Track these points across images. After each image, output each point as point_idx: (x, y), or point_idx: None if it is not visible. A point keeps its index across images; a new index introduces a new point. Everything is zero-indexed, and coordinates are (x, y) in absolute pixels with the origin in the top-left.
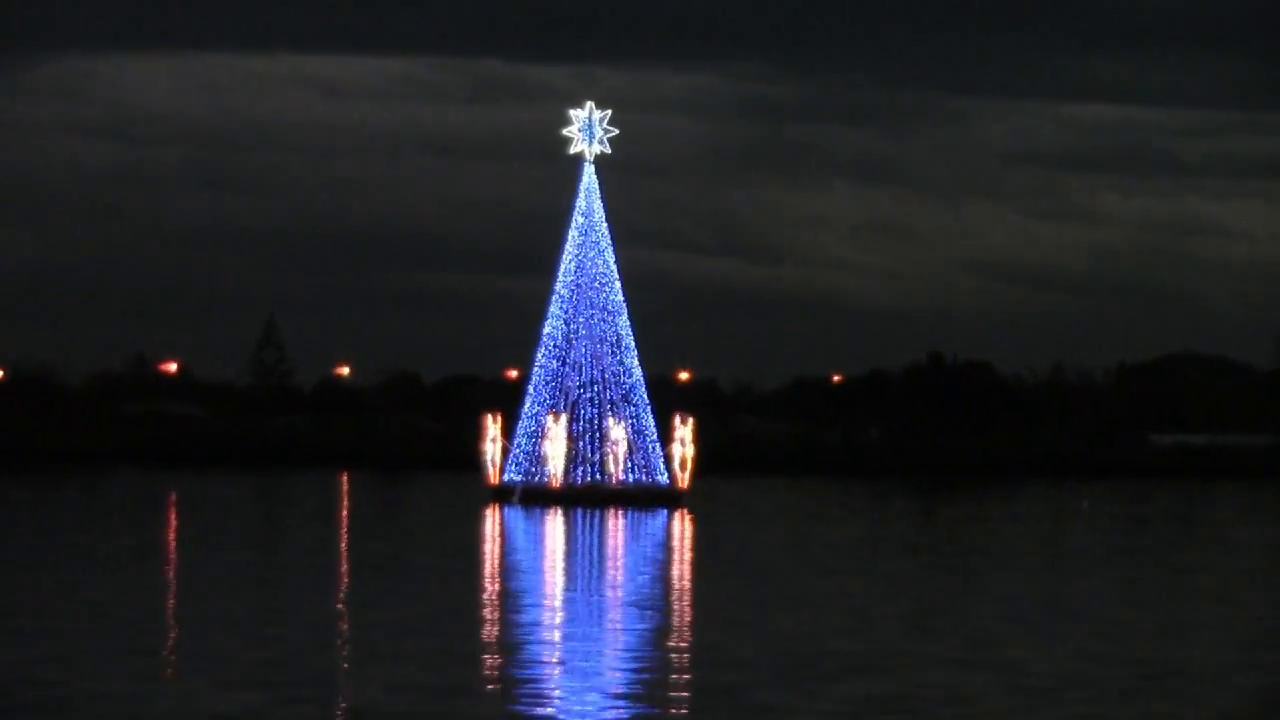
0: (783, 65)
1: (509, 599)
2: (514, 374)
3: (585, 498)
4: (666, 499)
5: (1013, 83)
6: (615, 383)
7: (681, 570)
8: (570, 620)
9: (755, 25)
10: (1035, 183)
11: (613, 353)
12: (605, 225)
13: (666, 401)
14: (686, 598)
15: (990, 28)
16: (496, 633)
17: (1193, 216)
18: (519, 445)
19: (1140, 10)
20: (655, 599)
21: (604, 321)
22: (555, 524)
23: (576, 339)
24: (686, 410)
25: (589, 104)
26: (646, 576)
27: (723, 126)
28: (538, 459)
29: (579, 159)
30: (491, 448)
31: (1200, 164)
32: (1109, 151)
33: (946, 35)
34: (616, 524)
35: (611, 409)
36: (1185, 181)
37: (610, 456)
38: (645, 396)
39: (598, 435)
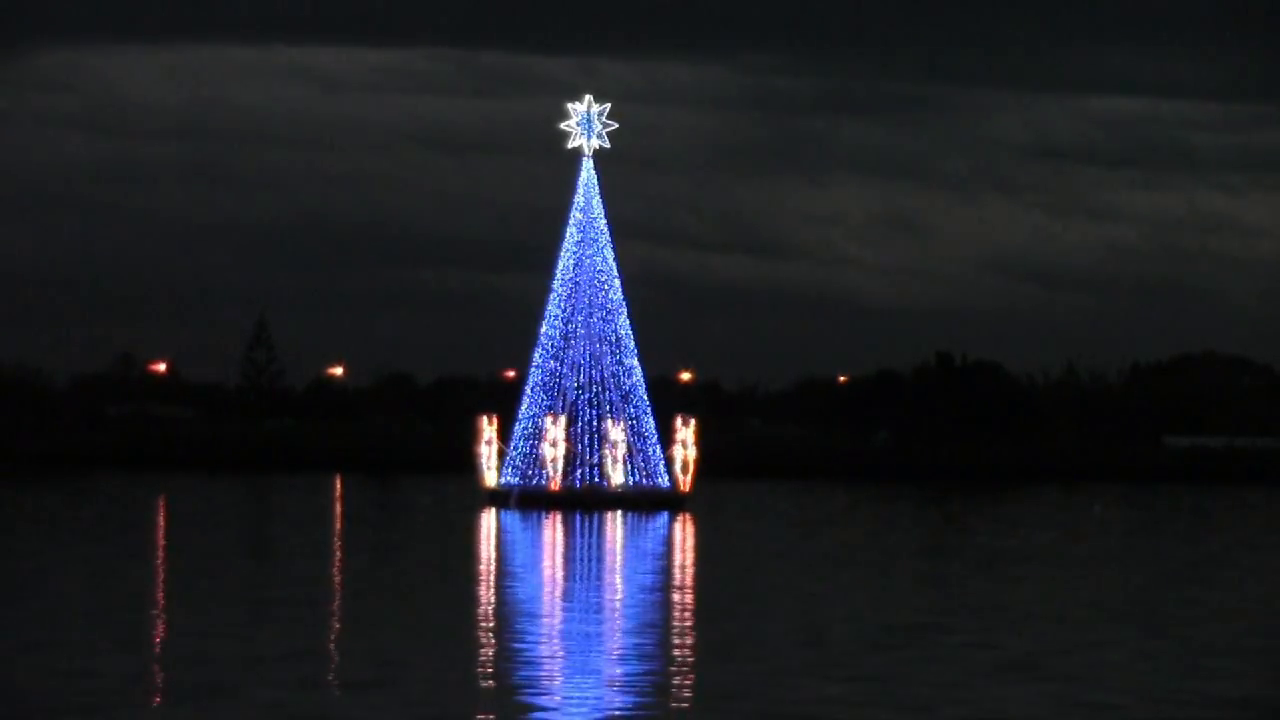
0: (792, 56)
1: (504, 608)
2: (511, 374)
3: (584, 501)
4: (667, 502)
5: (1027, 75)
6: (615, 383)
7: (682, 578)
8: (567, 631)
9: (764, 15)
10: (1050, 177)
11: (612, 353)
12: (604, 221)
13: (668, 403)
14: (687, 606)
15: (1005, 19)
16: (491, 647)
17: (1211, 212)
18: (516, 447)
19: (1157, 1)
20: (654, 608)
21: (603, 320)
22: (553, 528)
23: (575, 338)
24: (688, 412)
25: (588, 97)
26: (646, 584)
27: (729, 119)
28: (535, 461)
29: (578, 154)
30: (487, 450)
31: (1219, 158)
32: (1125, 145)
33: (959, 26)
34: (616, 528)
35: (611, 410)
36: (1204, 176)
37: (609, 459)
38: (646, 397)
39: (597, 437)
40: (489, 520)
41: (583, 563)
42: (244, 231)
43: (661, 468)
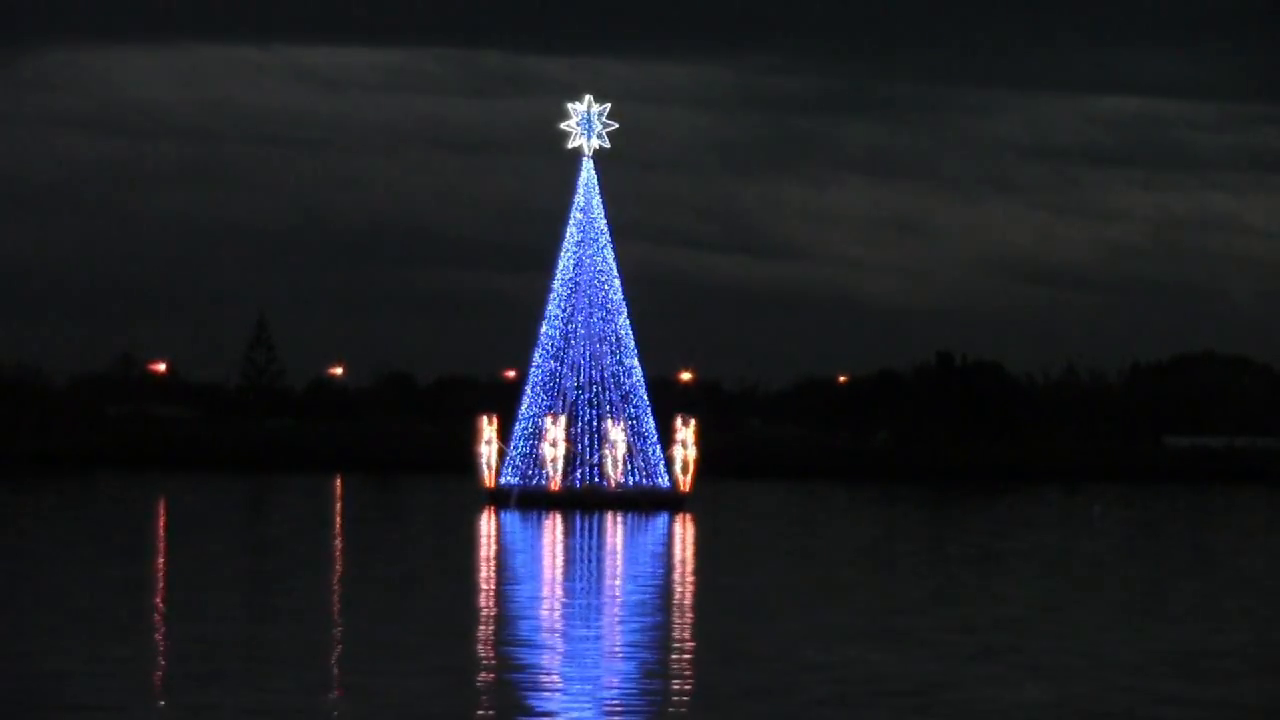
0: (792, 56)
1: (504, 608)
2: (511, 374)
3: (584, 501)
4: (667, 502)
5: (1027, 75)
6: (615, 383)
7: (682, 577)
8: (567, 630)
9: (764, 15)
10: (1050, 177)
11: (612, 353)
12: (604, 221)
13: (668, 403)
14: (687, 606)
15: (1007, 19)
16: (492, 646)
17: (1212, 211)
18: (516, 448)
19: (1158, 1)
20: (654, 608)
21: (603, 320)
22: (553, 528)
23: (575, 338)
24: (688, 412)
25: (588, 98)
26: (645, 584)
27: (731, 119)
28: (535, 462)
29: (578, 154)
30: (488, 450)
31: (1219, 158)
32: (1126, 145)
33: (962, 26)
34: (616, 528)
35: (611, 410)
36: (1204, 176)
37: (609, 459)
38: (646, 397)
39: (597, 437)
40: (489, 520)
41: (583, 563)
42: (244, 231)
43: (661, 468)
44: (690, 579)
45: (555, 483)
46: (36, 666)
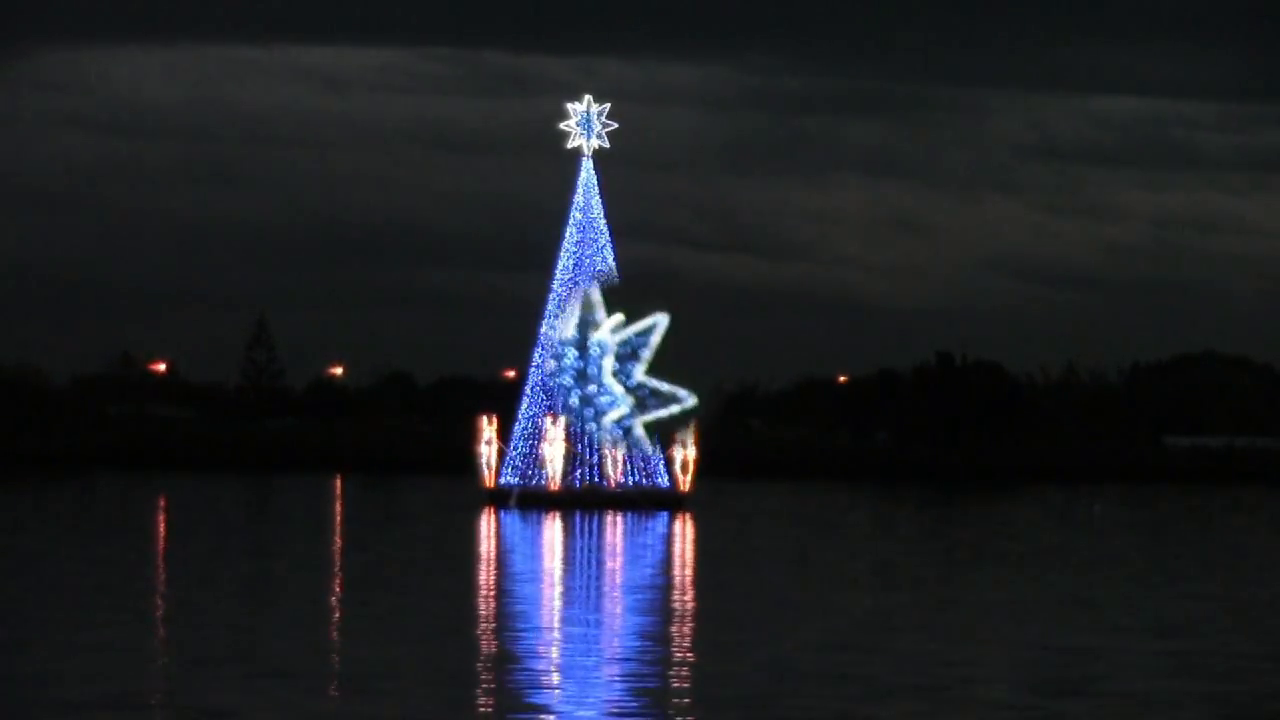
0: (793, 56)
1: (504, 608)
2: (511, 374)
3: (584, 501)
4: (667, 502)
5: (1027, 75)
6: None
7: (682, 578)
8: (566, 631)
9: (765, 15)
10: (1052, 177)
11: None
12: (604, 221)
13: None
14: (686, 606)
15: (1005, 19)
16: (491, 647)
17: (1212, 211)
18: (516, 447)
19: (1158, 1)
20: (653, 608)
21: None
22: (553, 528)
23: None
24: None
25: (587, 97)
26: (645, 585)
27: (730, 119)
28: (535, 461)
29: (578, 153)
30: (487, 450)
31: (1220, 158)
32: (1128, 145)
33: (962, 26)
34: (615, 528)
35: None
36: (1204, 175)
37: (609, 459)
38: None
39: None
40: (489, 520)
41: (582, 563)
42: (244, 231)
43: (661, 468)
44: (690, 580)
45: (555, 483)
46: (34, 666)
